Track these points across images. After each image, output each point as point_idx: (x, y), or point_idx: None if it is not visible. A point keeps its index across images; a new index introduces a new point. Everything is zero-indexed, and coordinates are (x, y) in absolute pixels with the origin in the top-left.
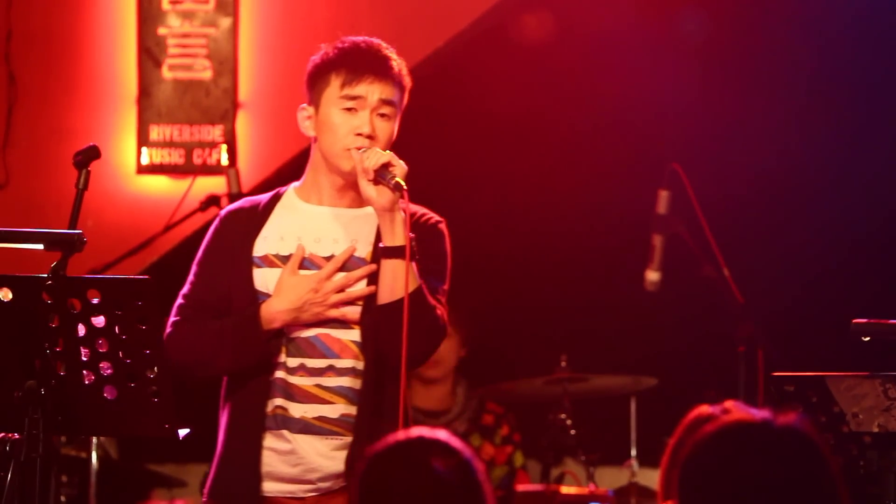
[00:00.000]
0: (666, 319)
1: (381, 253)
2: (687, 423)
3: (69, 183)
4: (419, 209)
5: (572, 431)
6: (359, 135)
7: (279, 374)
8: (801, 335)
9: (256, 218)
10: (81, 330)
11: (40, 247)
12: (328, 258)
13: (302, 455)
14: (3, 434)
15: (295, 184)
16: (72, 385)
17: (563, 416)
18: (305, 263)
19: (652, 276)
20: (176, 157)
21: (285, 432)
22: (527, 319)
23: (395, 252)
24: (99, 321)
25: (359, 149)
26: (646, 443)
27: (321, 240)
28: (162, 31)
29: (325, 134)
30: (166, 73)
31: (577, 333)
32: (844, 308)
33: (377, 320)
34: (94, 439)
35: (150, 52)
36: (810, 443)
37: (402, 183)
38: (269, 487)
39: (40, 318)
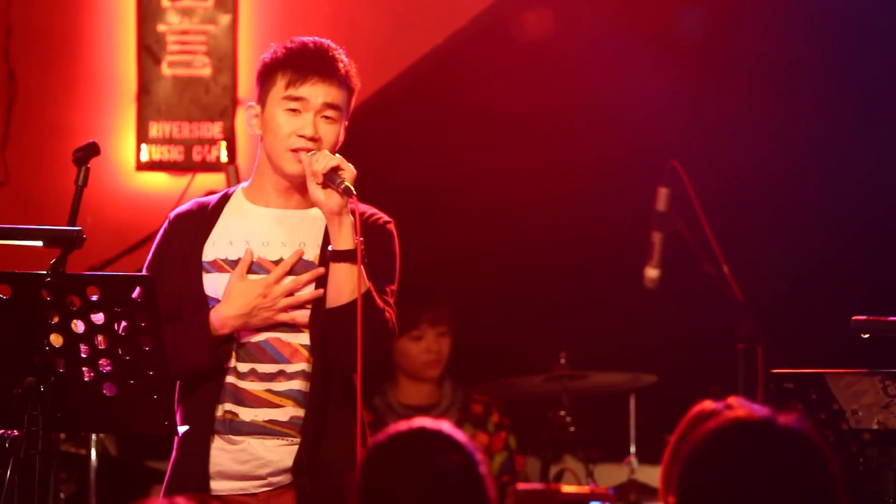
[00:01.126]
0: (665, 316)
1: (329, 257)
2: (689, 419)
3: (69, 180)
4: (368, 209)
5: (571, 428)
6: (301, 136)
7: (229, 378)
8: (800, 332)
9: (205, 221)
10: (81, 327)
11: (40, 244)
12: (277, 262)
13: (251, 451)
14: (2, 431)
15: (244, 184)
16: (71, 382)
17: (562, 413)
18: (254, 268)
19: (651, 273)
20: (175, 153)
21: (234, 436)
22: (526, 316)
23: (343, 256)
24: (98, 318)
25: (308, 151)
26: (645, 440)
27: (269, 243)
28: (161, 27)
29: (268, 134)
30: (166, 70)
31: (577, 330)
32: (844, 305)
33: (325, 324)
34: (94, 436)
35: (149, 49)
36: (810, 441)
37: (352, 187)
38: (220, 486)
39: (40, 314)
